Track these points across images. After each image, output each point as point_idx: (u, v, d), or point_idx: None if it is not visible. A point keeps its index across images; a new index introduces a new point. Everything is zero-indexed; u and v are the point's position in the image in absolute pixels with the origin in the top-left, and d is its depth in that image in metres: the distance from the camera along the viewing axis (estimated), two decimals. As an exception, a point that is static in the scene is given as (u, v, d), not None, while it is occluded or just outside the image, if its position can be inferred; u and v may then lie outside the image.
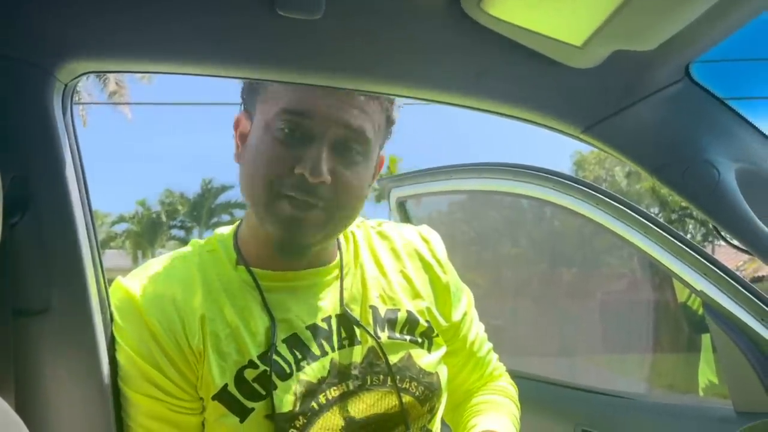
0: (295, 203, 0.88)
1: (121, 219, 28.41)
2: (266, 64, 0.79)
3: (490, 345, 1.14)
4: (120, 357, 0.87)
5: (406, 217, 2.27)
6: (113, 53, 0.78)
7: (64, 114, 0.81)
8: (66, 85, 0.80)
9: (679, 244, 1.50)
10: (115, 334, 0.87)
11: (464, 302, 1.08)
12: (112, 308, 0.89)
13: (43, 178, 0.79)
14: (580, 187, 1.68)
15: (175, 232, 29.23)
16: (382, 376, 0.95)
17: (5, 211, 0.75)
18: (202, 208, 28.35)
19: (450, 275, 1.07)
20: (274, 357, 0.90)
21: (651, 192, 25.26)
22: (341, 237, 1.02)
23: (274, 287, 0.94)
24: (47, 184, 0.79)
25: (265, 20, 0.74)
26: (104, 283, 0.87)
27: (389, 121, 0.95)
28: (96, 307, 0.83)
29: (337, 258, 1.00)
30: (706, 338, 2.30)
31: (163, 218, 28.75)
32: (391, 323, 0.98)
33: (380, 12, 0.75)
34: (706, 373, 2.35)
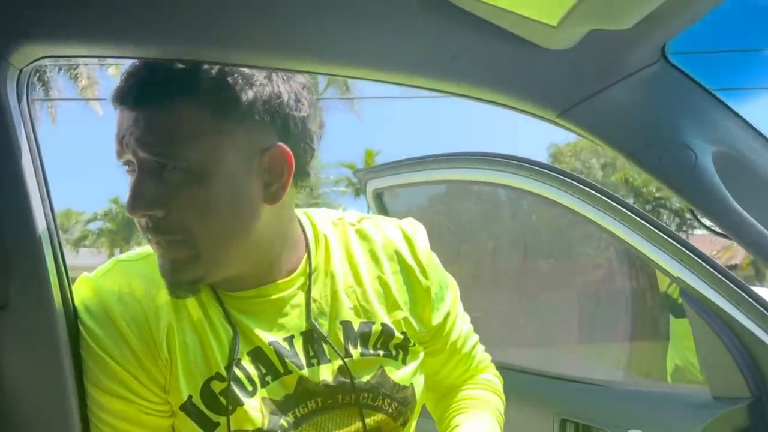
0: (154, 247, 0.84)
1: (96, 217, 27.98)
2: (229, 47, 0.76)
3: (475, 338, 1.11)
4: (87, 356, 0.83)
5: (383, 208, 2.25)
6: (70, 36, 0.74)
7: (19, 101, 0.77)
8: (21, 71, 0.76)
9: (656, 230, 1.50)
10: (83, 332, 0.84)
11: (448, 301, 1.03)
12: (77, 305, 0.85)
13: None
14: (557, 175, 1.67)
15: (151, 229, 28.89)
16: (352, 395, 0.91)
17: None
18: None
19: (432, 277, 1.00)
20: (239, 371, 0.86)
21: (625, 183, 25.59)
22: (311, 239, 0.95)
23: (233, 303, 0.89)
24: (2, 175, 0.75)
25: (228, 0, 0.71)
26: (67, 278, 0.83)
27: (234, 112, 0.81)
28: (58, 303, 0.79)
29: (303, 264, 0.94)
30: (675, 323, 2.33)
31: (139, 216, 28.39)
32: (365, 338, 0.94)
33: None
34: (674, 358, 2.38)
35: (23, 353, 0.78)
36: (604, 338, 2.31)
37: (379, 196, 2.22)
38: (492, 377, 1.13)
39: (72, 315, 0.83)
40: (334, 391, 0.91)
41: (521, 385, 1.88)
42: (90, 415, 0.84)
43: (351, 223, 1.01)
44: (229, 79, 0.80)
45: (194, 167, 0.79)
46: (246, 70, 0.81)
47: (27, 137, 0.78)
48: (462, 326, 1.07)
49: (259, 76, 0.83)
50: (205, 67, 0.80)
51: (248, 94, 0.81)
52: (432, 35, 0.77)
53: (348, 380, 0.91)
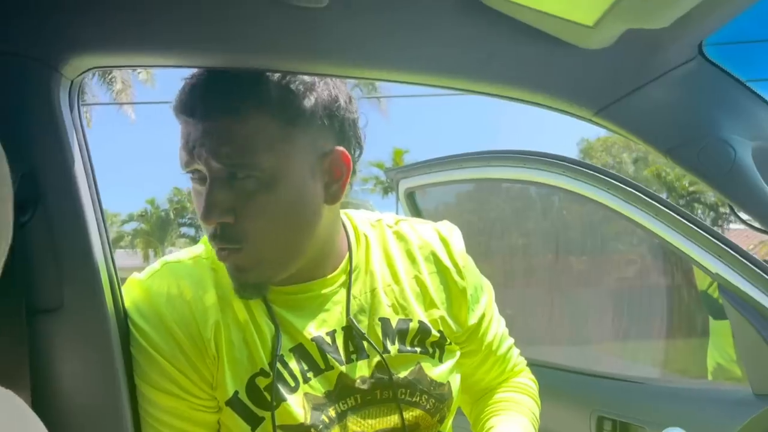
0: (218, 252, 0.87)
1: (131, 218, 28.56)
2: (271, 53, 0.78)
3: (510, 341, 1.11)
4: (138, 354, 0.86)
5: (415, 207, 2.26)
6: (118, 47, 0.78)
7: (71, 110, 0.80)
8: (72, 82, 0.80)
9: (693, 226, 1.48)
10: (134, 331, 0.87)
11: (483, 303, 1.04)
12: (127, 306, 0.88)
13: (52, 175, 0.78)
14: (589, 171, 1.67)
15: (184, 230, 29.40)
16: (390, 391, 0.93)
17: (16, 209, 0.75)
18: (211, 205, 28.46)
19: (468, 278, 1.02)
20: (282, 368, 0.89)
21: (657, 178, 25.13)
22: (352, 238, 0.98)
23: (277, 300, 0.92)
24: (56, 181, 0.78)
25: (269, 9, 0.73)
26: (117, 280, 0.87)
27: (301, 122, 0.83)
28: (109, 304, 0.83)
29: (345, 262, 0.96)
30: (715, 323, 2.30)
31: (172, 216, 28.89)
32: (402, 335, 0.95)
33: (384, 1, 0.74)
34: (715, 357, 2.35)
35: (77, 353, 0.81)
36: (639, 335, 2.29)
37: (411, 195, 2.24)
38: (528, 381, 1.13)
39: (122, 315, 0.87)
40: (372, 387, 0.92)
41: (558, 383, 1.88)
42: (141, 411, 0.87)
43: (388, 225, 1.03)
44: (293, 87, 0.83)
45: (264, 175, 0.82)
46: (306, 77, 0.84)
47: (79, 145, 0.81)
48: (497, 328, 1.08)
49: (318, 82, 0.85)
50: (268, 75, 0.82)
51: (310, 100, 0.83)
52: (466, 38, 0.78)
53: (386, 376, 0.92)
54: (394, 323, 0.95)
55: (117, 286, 0.86)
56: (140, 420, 0.87)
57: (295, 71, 0.82)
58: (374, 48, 0.79)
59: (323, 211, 0.89)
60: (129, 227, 28.94)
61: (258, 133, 0.81)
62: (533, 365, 1.17)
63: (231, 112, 0.81)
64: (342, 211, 1.01)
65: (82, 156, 0.82)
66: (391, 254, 0.99)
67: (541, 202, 2.48)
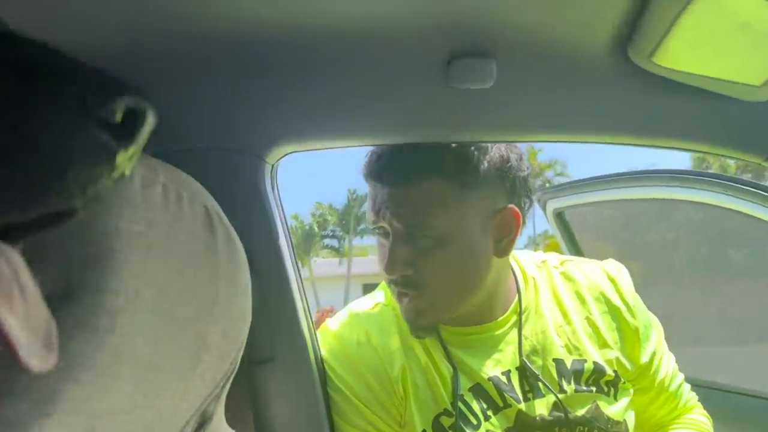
0: (398, 296, 0.96)
1: (278, 233, 30.28)
2: (442, 130, 0.87)
3: (681, 377, 1.11)
4: (336, 396, 0.97)
5: (565, 227, 2.26)
6: (312, 134, 0.90)
7: (272, 189, 0.94)
8: (273, 166, 0.93)
9: None
10: (330, 375, 0.98)
11: (654, 340, 1.05)
12: (323, 351, 1.00)
13: (260, 246, 0.91)
14: (754, 190, 1.58)
15: (327, 241, 30.71)
16: (568, 429, 0.96)
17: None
18: (350, 217, 29.53)
19: (639, 316, 1.03)
20: (464, 407, 0.95)
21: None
22: (520, 281, 1.02)
23: (454, 341, 0.99)
24: (264, 251, 0.92)
25: (439, 94, 0.82)
26: (314, 330, 0.99)
27: (480, 187, 0.91)
28: (311, 353, 0.95)
29: (515, 303, 1.01)
30: None
31: (315, 229, 30.30)
32: (577, 375, 0.98)
33: (549, 72, 0.80)
34: None
35: (288, 397, 0.93)
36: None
37: (560, 216, 2.23)
38: (701, 417, 1.12)
39: (320, 362, 0.99)
40: (551, 425, 0.96)
41: (728, 403, 1.78)
42: None
43: (554, 266, 1.07)
44: (468, 153, 0.91)
45: (440, 233, 0.91)
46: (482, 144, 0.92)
47: (280, 218, 0.94)
48: (668, 365, 1.08)
49: (491, 145, 0.93)
50: (445, 145, 0.91)
51: (484, 164, 0.92)
52: (629, 100, 0.81)
53: (563, 414, 0.96)
54: (568, 364, 0.99)
55: (315, 336, 0.99)
56: None
57: (464, 141, 0.90)
58: (538, 116, 0.85)
59: (493, 263, 0.95)
60: (277, 241, 30.67)
61: (434, 197, 0.91)
62: (702, 386, 1.14)
63: (411, 179, 0.91)
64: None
65: (282, 227, 0.95)
66: (559, 295, 1.03)
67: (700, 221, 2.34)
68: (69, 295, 0.42)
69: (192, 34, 0.72)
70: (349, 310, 1.05)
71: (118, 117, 0.30)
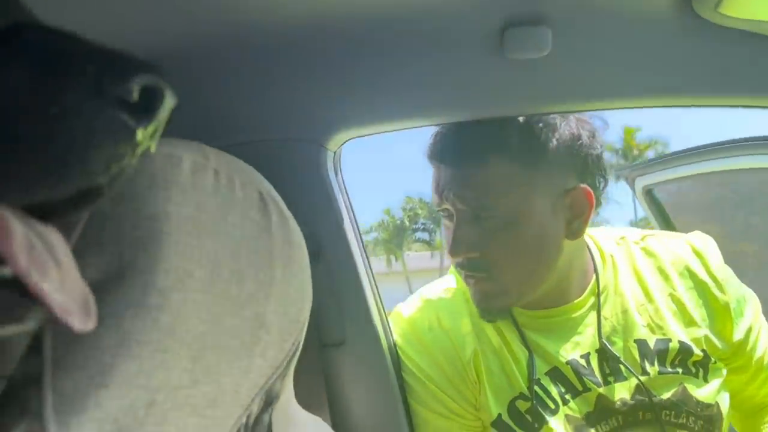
0: (465, 279, 0.94)
1: (371, 229, 30.85)
2: (500, 104, 0.85)
3: None
4: (410, 380, 0.98)
5: (655, 204, 2.15)
6: (371, 119, 0.91)
7: (336, 175, 0.95)
8: (335, 153, 0.95)
9: None
10: (403, 359, 0.99)
11: (748, 315, 0.98)
12: (396, 337, 1.01)
13: (327, 232, 0.93)
14: None
15: (419, 234, 30.89)
16: (653, 413, 0.92)
17: (304, 264, 0.92)
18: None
19: (729, 291, 0.96)
20: (540, 391, 0.93)
21: None
22: (598, 260, 0.98)
23: (530, 324, 0.96)
24: (331, 236, 0.93)
25: (496, 67, 0.80)
26: (384, 314, 1.00)
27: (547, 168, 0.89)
28: (382, 336, 0.96)
29: (592, 284, 0.97)
30: None
31: (407, 223, 30.54)
32: (661, 356, 0.93)
33: (607, 34, 0.76)
34: None
35: (361, 380, 0.95)
36: None
37: (650, 193, 2.13)
38: None
39: (392, 345, 1.00)
40: (633, 409, 0.92)
41: None
42: (417, 430, 0.98)
43: (635, 242, 1.02)
44: (534, 131, 0.88)
45: (506, 215, 0.89)
46: (550, 119, 0.88)
47: (344, 203, 0.96)
48: (767, 341, 1.00)
49: (561, 122, 0.89)
50: (510, 122, 0.89)
51: (552, 142, 0.88)
52: (697, 56, 0.76)
53: (646, 398, 0.92)
54: (651, 344, 0.94)
55: (386, 320, 1.00)
56: None
57: (524, 114, 0.87)
58: (599, 83, 0.81)
59: (564, 245, 0.92)
60: (370, 237, 31.25)
61: (499, 177, 0.89)
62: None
63: (474, 160, 0.89)
64: (585, 233, 1.04)
65: (347, 212, 0.96)
66: (640, 272, 0.98)
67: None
68: (121, 275, 0.44)
69: (249, 29, 0.74)
70: (420, 295, 1.05)
71: (135, 96, 0.31)
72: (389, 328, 1.00)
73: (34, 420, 0.40)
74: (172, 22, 0.71)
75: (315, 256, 0.95)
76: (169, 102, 0.33)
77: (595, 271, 0.98)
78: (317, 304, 0.93)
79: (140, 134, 0.32)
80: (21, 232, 0.30)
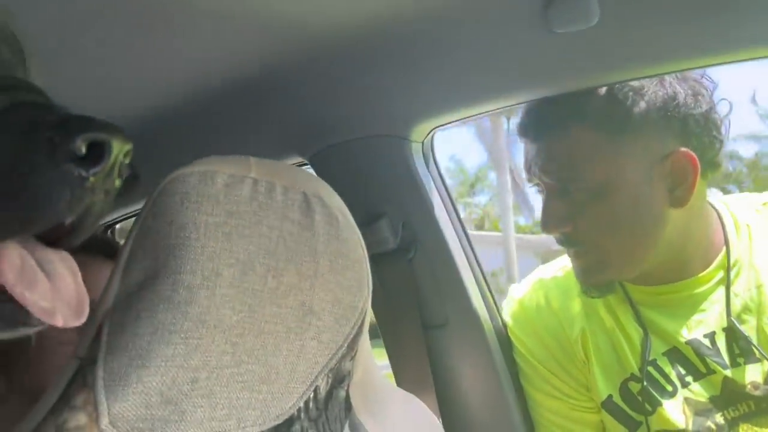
0: (567, 254, 0.92)
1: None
2: (550, 79, 0.83)
3: None
4: (519, 360, 0.99)
5: None
6: (451, 107, 0.93)
7: (427, 165, 0.99)
8: (423, 143, 0.98)
9: None
10: (513, 340, 1.00)
11: None
12: (507, 318, 1.02)
13: (421, 221, 0.97)
14: None
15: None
16: None
17: (402, 251, 0.98)
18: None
19: None
20: (656, 372, 0.88)
21: None
22: (730, 230, 0.89)
23: (646, 301, 0.91)
24: (425, 225, 0.97)
25: (544, 41, 0.77)
26: (491, 295, 1.01)
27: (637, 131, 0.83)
28: (485, 317, 0.98)
29: (722, 257, 0.88)
30: None
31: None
32: None
33: None
34: None
35: (465, 360, 0.98)
36: None
37: None
38: None
39: (501, 327, 1.01)
40: (767, 395, 0.83)
41: None
42: (531, 411, 0.99)
43: None
44: (620, 96, 0.84)
45: (595, 185, 0.85)
46: (635, 82, 0.83)
47: (440, 193, 0.99)
48: None
49: (650, 85, 0.84)
50: (591, 92, 0.86)
51: (640, 106, 0.83)
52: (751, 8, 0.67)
53: None
54: None
55: (492, 302, 1.01)
56: (531, 419, 0.99)
57: (569, 90, 0.84)
58: (654, 47, 0.75)
59: (669, 215, 0.85)
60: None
61: (582, 147, 0.86)
62: None
63: (554, 132, 0.88)
64: (719, 199, 0.95)
65: (442, 199, 0.99)
66: None
67: None
68: (155, 276, 0.54)
69: (335, 33, 0.78)
70: (535, 276, 1.05)
71: (83, 150, 0.40)
72: (497, 309, 1.01)
73: (90, 391, 0.52)
74: (272, 42, 0.79)
75: (413, 242, 1.00)
76: (116, 150, 0.41)
77: (726, 242, 0.89)
78: (418, 286, 0.99)
79: (92, 180, 0.41)
80: (15, 254, 0.41)
